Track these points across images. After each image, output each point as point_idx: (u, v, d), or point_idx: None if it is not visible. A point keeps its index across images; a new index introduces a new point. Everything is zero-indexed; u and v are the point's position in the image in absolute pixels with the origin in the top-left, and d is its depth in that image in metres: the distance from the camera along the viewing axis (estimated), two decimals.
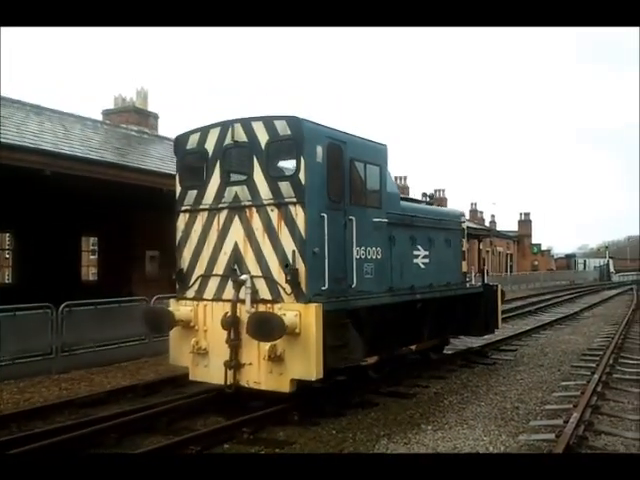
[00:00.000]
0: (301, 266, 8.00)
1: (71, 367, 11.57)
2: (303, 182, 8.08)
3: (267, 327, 7.65)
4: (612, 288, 48.95)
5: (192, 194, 9.23)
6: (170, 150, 20.31)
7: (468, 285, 12.93)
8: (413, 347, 11.25)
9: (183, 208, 9.36)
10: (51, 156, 12.71)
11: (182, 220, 9.37)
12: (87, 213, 18.72)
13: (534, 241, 71.95)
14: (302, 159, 8.11)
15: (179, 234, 9.41)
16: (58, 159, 12.83)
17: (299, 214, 8.07)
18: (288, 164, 8.67)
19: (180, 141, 9.52)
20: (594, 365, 11.43)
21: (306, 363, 7.75)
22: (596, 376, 10.06)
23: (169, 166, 17.20)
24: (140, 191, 15.20)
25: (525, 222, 70.79)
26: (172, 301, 9.43)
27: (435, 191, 42.37)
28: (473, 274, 13.93)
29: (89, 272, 25.16)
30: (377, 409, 8.84)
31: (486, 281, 13.70)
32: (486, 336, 13.98)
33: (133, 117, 22.49)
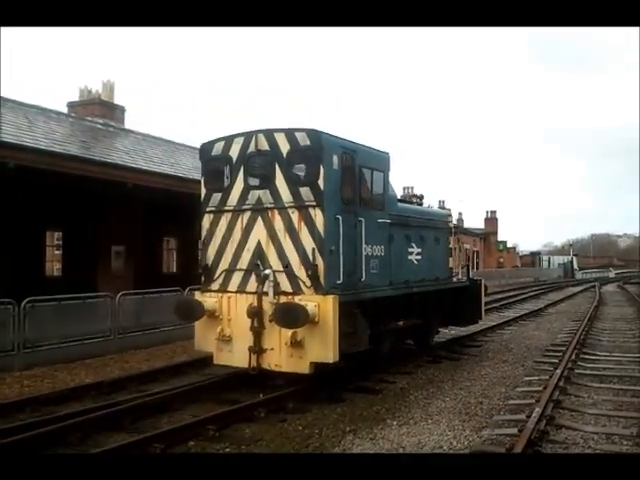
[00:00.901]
0: (320, 262, 8.98)
1: (34, 364, 11.37)
2: (322, 188, 9.09)
3: (293, 316, 8.64)
4: (576, 285, 49.81)
5: (217, 196, 10.07)
6: (137, 143, 20.17)
7: (455, 280, 13.98)
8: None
9: (208, 209, 10.18)
10: (13, 149, 12.45)
11: (207, 220, 10.20)
12: (52, 207, 18.36)
13: (500, 238, 72.94)
14: (321, 167, 9.09)
15: (204, 232, 10.25)
16: (21, 152, 12.57)
17: (318, 216, 9.06)
18: (301, 168, 9.60)
19: (205, 148, 10.36)
20: (557, 361, 11.65)
21: (324, 348, 8.73)
22: (558, 371, 10.26)
23: (135, 160, 17.02)
24: (106, 185, 14.99)
25: (491, 220, 71.68)
26: (197, 293, 10.25)
27: (403, 189, 42.66)
28: (460, 269, 14.80)
29: (53, 267, 24.70)
30: (343, 405, 8.88)
31: (470, 276, 14.76)
32: (463, 328, 15.17)
33: (99, 110, 22.15)
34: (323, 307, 8.73)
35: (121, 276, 18.02)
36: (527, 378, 10.57)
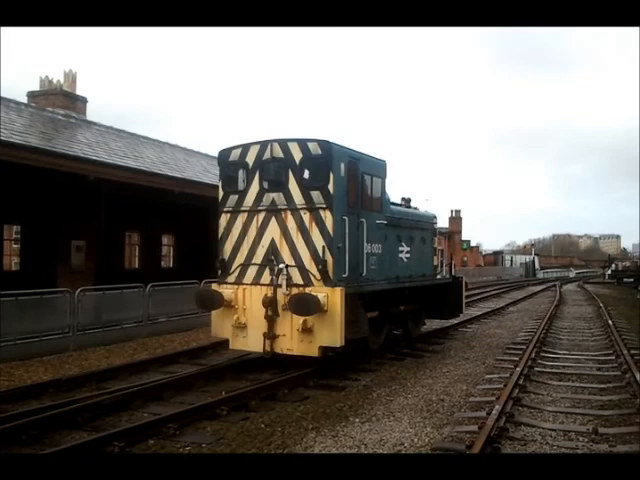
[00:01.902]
0: (329, 258, 10.08)
1: None
2: (331, 192, 10.15)
3: (307, 305, 9.74)
4: (537, 284, 50.74)
5: (234, 198, 11.05)
6: (99, 135, 19.77)
7: (439, 277, 15.45)
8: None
9: (225, 209, 11.16)
10: None
11: (224, 219, 11.16)
12: (10, 200, 17.88)
13: (464, 237, 73.81)
14: (331, 174, 10.15)
15: (221, 230, 11.18)
16: None
17: (327, 217, 10.15)
18: (312, 174, 10.55)
19: (223, 154, 11.39)
20: (517, 359, 11.81)
21: (333, 334, 9.81)
22: (518, 369, 10.40)
23: (97, 152, 16.69)
24: (66, 178, 14.66)
25: (456, 219, 72.42)
26: (214, 285, 11.17)
27: None
28: (443, 267, 16.37)
29: (11, 262, 24.08)
30: (307, 402, 8.87)
31: (453, 273, 16.47)
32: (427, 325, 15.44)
33: (60, 100, 21.65)
34: (332, 298, 9.84)
35: (81, 271, 17.68)
36: (488, 376, 10.70)
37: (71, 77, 22.46)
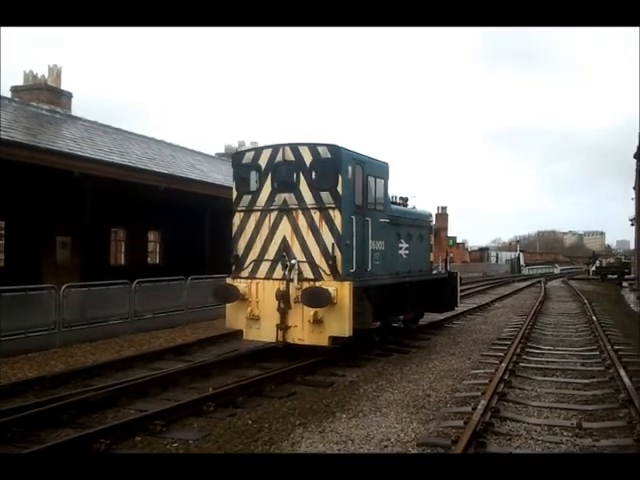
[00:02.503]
0: (338, 254, 10.79)
1: None
2: (340, 193, 10.86)
3: (319, 297, 10.43)
4: (522, 280, 51.09)
5: (247, 198, 11.70)
6: (84, 131, 19.61)
7: (435, 272, 16.47)
8: (401, 317, 14.37)
9: (239, 208, 11.79)
10: None
11: (238, 217, 11.81)
12: None
13: (450, 234, 74.06)
14: (340, 176, 10.85)
15: (235, 228, 11.81)
16: None
17: (336, 216, 10.86)
18: (321, 176, 11.11)
19: (237, 157, 12.28)
20: (502, 354, 11.91)
21: (342, 324, 10.51)
22: (503, 365, 10.49)
23: (82, 148, 16.56)
24: (51, 173, 14.54)
25: (442, 215, 72.47)
26: (228, 279, 11.75)
27: None
28: (440, 263, 17.51)
29: None
30: (294, 398, 8.89)
31: (448, 269, 17.33)
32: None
33: (45, 95, 21.44)
34: (340, 291, 10.53)
35: (67, 267, 17.57)
36: (474, 371, 10.77)
37: (55, 72, 22.24)
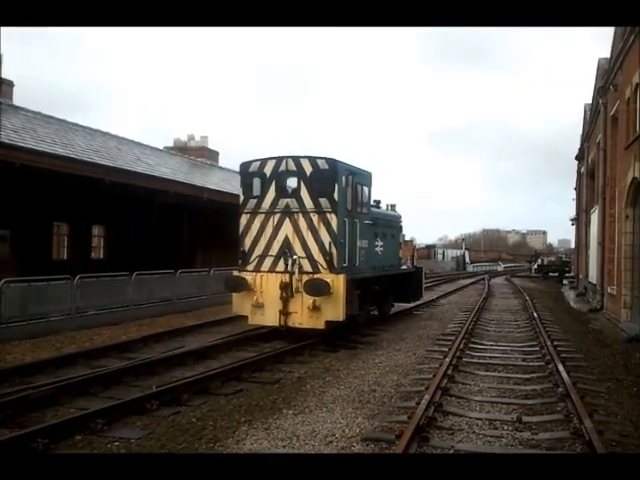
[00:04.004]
0: (334, 251, 12.71)
1: None
2: (336, 199, 12.81)
3: (320, 287, 12.28)
4: (467, 277, 52.12)
5: (253, 202, 13.51)
6: (27, 121, 18.95)
7: (404, 267, 19.08)
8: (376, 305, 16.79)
9: (245, 211, 13.59)
10: None
11: (244, 219, 13.59)
12: None
13: None
14: (336, 185, 12.79)
15: (241, 228, 13.62)
16: None
17: (333, 219, 12.78)
18: (320, 184, 12.90)
19: (244, 166, 13.85)
20: (446, 349, 12.12)
21: (336, 310, 12.42)
22: (447, 360, 10.68)
23: (24, 138, 16.01)
24: None
25: None
26: (235, 272, 13.54)
27: None
28: (408, 259, 20.33)
29: None
30: (240, 395, 8.83)
31: (415, 264, 20.22)
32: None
33: None
34: (336, 282, 12.39)
35: (6, 262, 16.97)
36: (418, 366, 10.93)
37: None
